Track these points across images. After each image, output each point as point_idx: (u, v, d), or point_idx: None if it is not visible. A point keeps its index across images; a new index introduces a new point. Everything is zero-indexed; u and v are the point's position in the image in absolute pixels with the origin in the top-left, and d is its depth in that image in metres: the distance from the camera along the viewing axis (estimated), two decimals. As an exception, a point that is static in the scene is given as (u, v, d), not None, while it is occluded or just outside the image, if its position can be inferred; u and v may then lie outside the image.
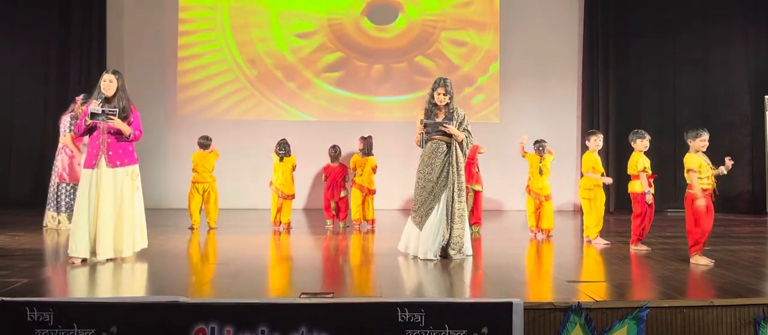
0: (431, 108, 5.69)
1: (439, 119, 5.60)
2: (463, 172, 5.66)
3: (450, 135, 5.58)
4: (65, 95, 11.20)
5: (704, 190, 5.50)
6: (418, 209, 5.61)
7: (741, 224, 9.01)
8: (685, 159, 5.65)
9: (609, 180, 7.10)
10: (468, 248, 5.71)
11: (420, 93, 11.65)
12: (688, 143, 5.65)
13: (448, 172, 5.57)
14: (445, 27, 11.80)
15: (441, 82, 5.65)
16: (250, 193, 10.77)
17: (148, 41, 11.51)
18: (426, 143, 5.62)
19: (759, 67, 11.56)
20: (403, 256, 5.70)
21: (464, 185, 5.71)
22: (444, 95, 5.62)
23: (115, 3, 11.54)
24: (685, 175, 5.62)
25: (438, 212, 5.53)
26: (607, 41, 11.68)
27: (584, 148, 11.34)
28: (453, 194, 5.55)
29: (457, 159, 5.59)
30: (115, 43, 11.50)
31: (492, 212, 10.58)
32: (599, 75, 11.63)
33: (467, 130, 5.67)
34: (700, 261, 5.42)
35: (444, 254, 5.59)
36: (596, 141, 6.97)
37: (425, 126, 5.57)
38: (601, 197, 6.92)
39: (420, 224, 5.59)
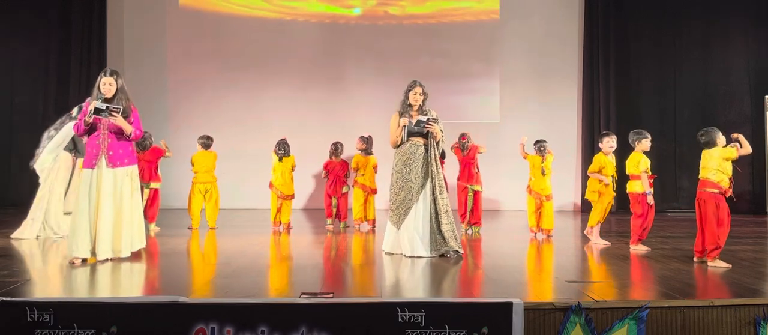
0: (406, 109, 5.83)
1: (413, 120, 5.72)
2: (441, 170, 5.82)
3: (425, 135, 5.72)
4: (65, 96, 11.23)
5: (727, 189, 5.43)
6: (396, 209, 5.73)
7: (741, 224, 9.00)
8: (718, 154, 5.42)
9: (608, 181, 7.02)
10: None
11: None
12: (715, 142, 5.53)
13: (426, 171, 5.71)
14: (446, 27, 11.81)
15: (417, 83, 5.86)
16: (250, 193, 10.77)
17: (148, 42, 11.52)
18: (404, 142, 5.75)
19: (759, 67, 11.57)
20: (398, 256, 5.70)
21: (443, 181, 5.84)
22: (420, 95, 5.80)
23: (115, 4, 11.55)
24: (717, 168, 5.38)
25: (418, 211, 5.64)
26: (607, 41, 11.69)
27: (586, 148, 11.45)
28: (435, 191, 5.68)
29: (434, 158, 5.73)
30: (115, 43, 11.51)
31: (492, 212, 10.58)
32: (599, 75, 11.64)
33: (441, 131, 5.81)
34: (720, 264, 5.25)
35: (445, 251, 5.64)
36: (609, 142, 6.92)
37: (418, 124, 5.66)
38: (608, 197, 6.88)
39: (397, 224, 5.71)
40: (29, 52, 11.35)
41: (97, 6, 11.41)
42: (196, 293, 4.26)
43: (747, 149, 5.42)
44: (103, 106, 5.13)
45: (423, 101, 5.82)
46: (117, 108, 5.16)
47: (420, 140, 5.75)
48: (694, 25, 11.76)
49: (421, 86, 5.84)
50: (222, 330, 3.50)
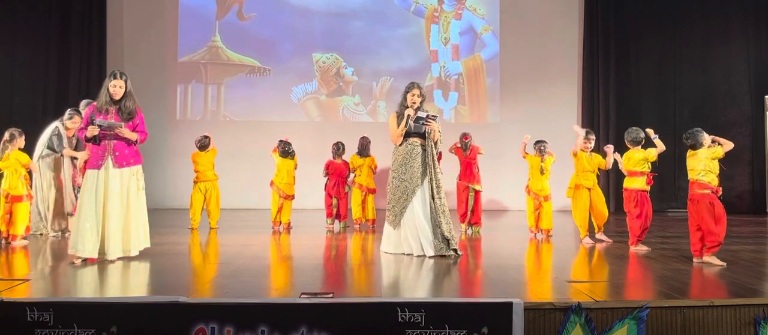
0: (403, 110, 5.84)
1: (411, 119, 5.74)
2: (439, 170, 5.81)
3: (423, 136, 5.73)
4: (65, 96, 11.22)
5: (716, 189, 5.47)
6: (393, 208, 5.78)
7: (741, 224, 9.00)
8: (705, 154, 5.52)
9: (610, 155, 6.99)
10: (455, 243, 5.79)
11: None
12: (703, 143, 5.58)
13: (424, 170, 5.72)
14: (445, 28, 11.80)
15: (415, 85, 5.89)
16: (251, 193, 10.78)
17: (148, 42, 11.52)
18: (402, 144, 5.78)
19: (759, 67, 11.57)
20: (399, 256, 5.70)
21: (442, 181, 5.81)
22: (418, 96, 5.81)
23: (115, 4, 11.55)
24: (705, 168, 5.48)
25: (415, 210, 5.65)
26: (607, 41, 11.69)
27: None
28: (432, 191, 5.70)
29: (433, 158, 5.74)
30: (115, 43, 11.51)
31: (492, 212, 10.58)
32: (599, 75, 11.64)
33: (439, 130, 5.85)
34: (715, 261, 5.31)
35: (444, 253, 5.60)
36: (587, 145, 6.98)
37: (417, 121, 5.69)
38: (584, 197, 6.90)
39: (393, 223, 5.77)
40: (29, 52, 11.34)
41: (97, 6, 11.41)
42: (196, 293, 4.26)
43: (728, 144, 5.53)
44: (106, 123, 5.19)
45: (421, 103, 5.83)
46: (119, 125, 5.20)
47: (417, 141, 5.78)
48: (694, 25, 11.76)
49: (419, 87, 5.88)
50: (222, 330, 3.50)
